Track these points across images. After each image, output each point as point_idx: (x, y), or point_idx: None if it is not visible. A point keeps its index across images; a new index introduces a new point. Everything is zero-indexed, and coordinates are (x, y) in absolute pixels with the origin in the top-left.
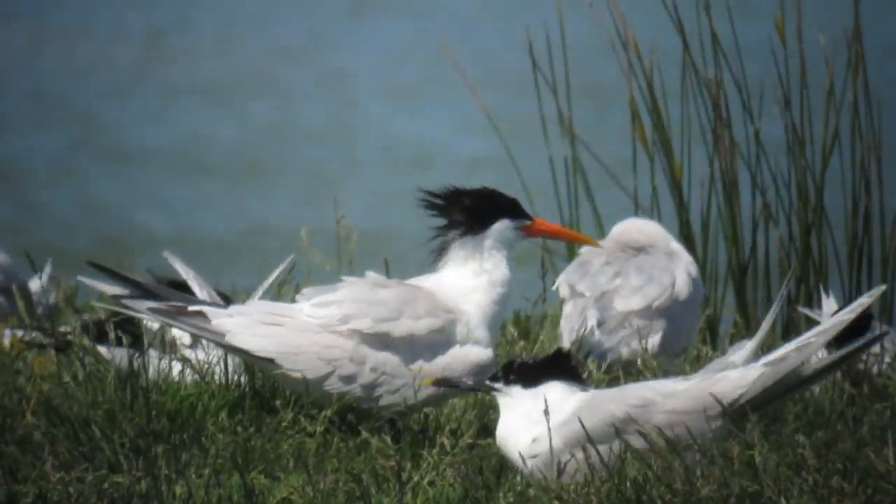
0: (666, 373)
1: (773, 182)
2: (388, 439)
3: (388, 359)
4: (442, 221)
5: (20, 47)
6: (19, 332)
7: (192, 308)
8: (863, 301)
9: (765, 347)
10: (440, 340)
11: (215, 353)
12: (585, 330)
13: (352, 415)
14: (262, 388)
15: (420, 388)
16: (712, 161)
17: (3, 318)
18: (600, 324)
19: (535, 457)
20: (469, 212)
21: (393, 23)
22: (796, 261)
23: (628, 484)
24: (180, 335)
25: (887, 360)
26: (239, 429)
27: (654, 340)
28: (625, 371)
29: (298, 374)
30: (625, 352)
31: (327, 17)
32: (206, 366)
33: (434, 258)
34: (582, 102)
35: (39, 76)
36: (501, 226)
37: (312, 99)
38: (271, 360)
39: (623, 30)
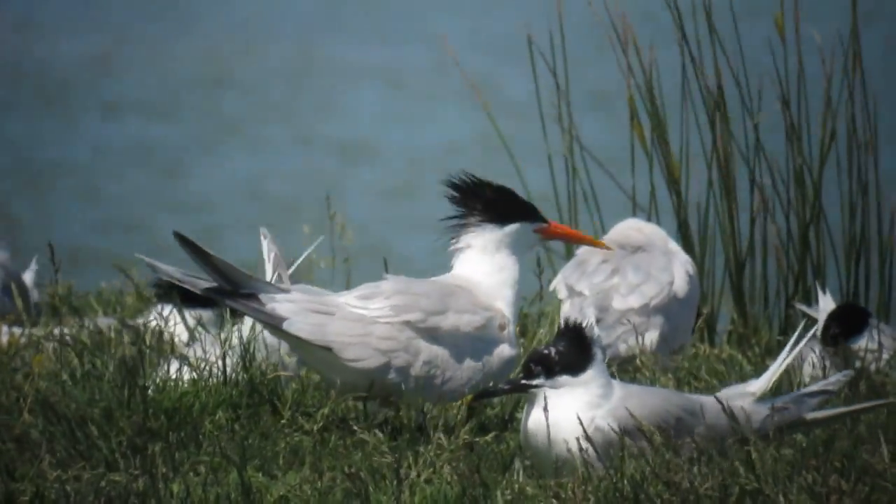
0: (664, 370)
1: (770, 180)
2: (385, 437)
3: (440, 352)
4: (458, 210)
5: None
6: (17, 330)
7: (244, 290)
8: (841, 378)
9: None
10: (481, 336)
11: (212, 351)
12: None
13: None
14: (260, 385)
15: (461, 374)
16: (710, 159)
17: (2, 316)
18: (598, 321)
19: (595, 439)
20: (488, 205)
21: (393, 18)
22: (794, 258)
23: (626, 482)
24: (178, 333)
25: (884, 357)
26: (236, 427)
27: (651, 337)
28: (621, 368)
29: (356, 364)
30: (623, 349)
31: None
32: (204, 363)
33: (451, 242)
34: (581, 101)
35: None
36: (520, 227)
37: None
38: (328, 350)
39: (622, 28)
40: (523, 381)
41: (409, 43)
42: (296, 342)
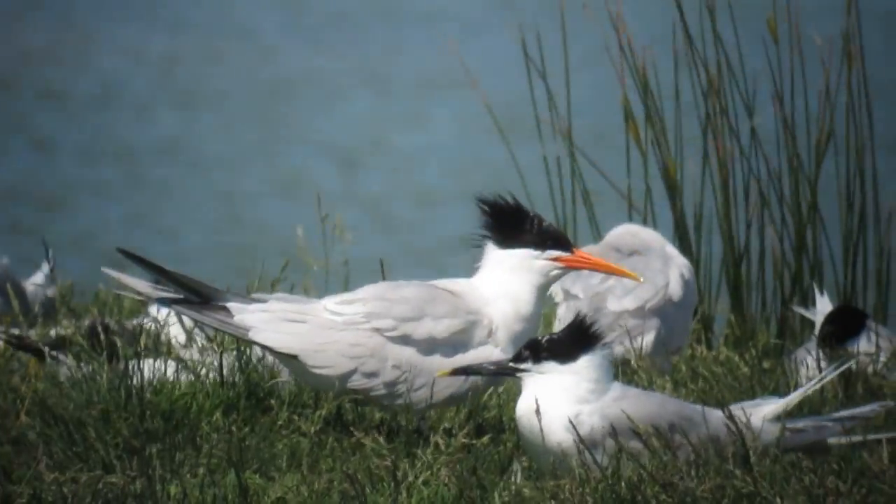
0: (661, 373)
1: (767, 180)
2: (382, 439)
3: (410, 357)
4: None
5: None
6: (14, 332)
7: (215, 302)
8: (876, 408)
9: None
10: (461, 341)
11: (209, 353)
12: None
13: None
14: (257, 387)
15: (439, 380)
16: (706, 159)
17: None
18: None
19: (577, 432)
20: (494, 225)
21: (393, 23)
22: (791, 259)
23: (623, 484)
24: (175, 335)
25: (882, 360)
26: (233, 428)
27: (647, 339)
28: (619, 371)
29: (321, 371)
30: (619, 350)
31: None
32: (201, 365)
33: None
34: (576, 102)
35: None
36: (523, 253)
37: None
38: (294, 357)
39: (618, 29)
40: (510, 364)
41: (403, 41)
42: (265, 351)
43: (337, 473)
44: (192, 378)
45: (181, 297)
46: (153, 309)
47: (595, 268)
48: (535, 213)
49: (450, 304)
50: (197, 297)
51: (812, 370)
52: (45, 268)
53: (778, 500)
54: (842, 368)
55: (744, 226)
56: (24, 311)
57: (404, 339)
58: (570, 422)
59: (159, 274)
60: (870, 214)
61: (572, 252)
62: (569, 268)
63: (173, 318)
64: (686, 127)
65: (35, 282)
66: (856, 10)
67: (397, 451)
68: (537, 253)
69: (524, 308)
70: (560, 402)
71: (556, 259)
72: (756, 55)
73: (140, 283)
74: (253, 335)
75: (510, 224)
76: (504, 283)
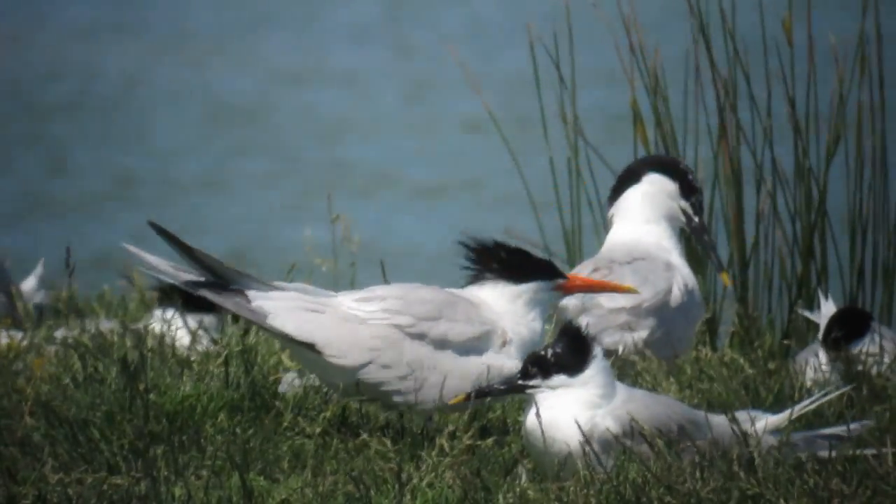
0: (666, 374)
1: (776, 182)
2: (387, 441)
3: (426, 355)
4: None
5: None
6: (17, 334)
7: (234, 286)
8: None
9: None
10: (476, 347)
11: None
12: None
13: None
14: (262, 388)
15: (451, 380)
16: (716, 161)
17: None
18: (584, 310)
19: (593, 438)
20: (504, 265)
21: (395, 20)
22: (798, 261)
23: (628, 485)
24: (180, 336)
25: (886, 361)
26: (238, 430)
27: (640, 335)
28: (621, 373)
29: (338, 361)
30: (607, 341)
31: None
32: (205, 367)
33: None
34: (584, 102)
35: None
36: (536, 286)
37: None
38: (311, 346)
39: (628, 29)
40: (520, 382)
41: (406, 41)
42: (281, 338)
43: (341, 475)
44: (197, 380)
45: (201, 279)
46: (158, 311)
47: (590, 289)
48: (526, 248)
49: (466, 311)
50: (218, 279)
51: (817, 372)
52: (39, 271)
53: (782, 502)
54: (843, 391)
55: (752, 228)
56: (23, 312)
57: (422, 338)
58: (584, 424)
59: (184, 252)
60: (879, 217)
61: (567, 278)
62: (566, 293)
63: (178, 320)
64: (695, 129)
65: (28, 286)
66: (874, 12)
67: (402, 453)
68: (548, 284)
69: (536, 328)
70: (574, 412)
71: (558, 287)
72: (769, 56)
73: (161, 263)
74: (270, 321)
75: (518, 263)
76: (515, 310)
